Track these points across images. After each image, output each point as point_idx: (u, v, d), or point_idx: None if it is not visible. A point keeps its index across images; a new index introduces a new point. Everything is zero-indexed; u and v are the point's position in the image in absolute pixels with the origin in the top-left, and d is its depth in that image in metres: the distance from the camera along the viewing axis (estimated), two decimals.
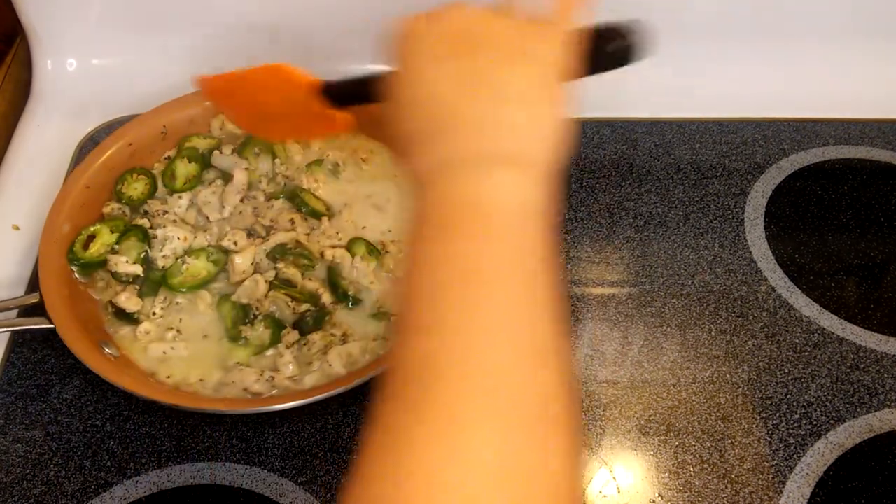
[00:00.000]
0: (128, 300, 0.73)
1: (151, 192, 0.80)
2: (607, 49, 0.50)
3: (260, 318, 0.72)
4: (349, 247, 0.76)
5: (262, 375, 0.68)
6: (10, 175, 0.87)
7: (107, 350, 0.70)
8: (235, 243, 0.76)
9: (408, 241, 0.44)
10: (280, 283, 0.74)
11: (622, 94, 0.96)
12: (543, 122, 0.47)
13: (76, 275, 0.74)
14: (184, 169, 0.82)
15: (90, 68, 0.94)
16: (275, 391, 0.68)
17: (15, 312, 0.74)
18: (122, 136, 0.81)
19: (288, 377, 0.69)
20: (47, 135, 0.91)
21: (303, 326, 0.72)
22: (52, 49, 0.93)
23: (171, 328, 0.72)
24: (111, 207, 0.79)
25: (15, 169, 0.88)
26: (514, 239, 0.43)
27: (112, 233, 0.76)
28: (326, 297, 0.73)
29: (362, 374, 0.66)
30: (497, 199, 0.44)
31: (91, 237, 0.75)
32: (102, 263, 0.75)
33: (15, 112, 0.93)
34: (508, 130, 0.46)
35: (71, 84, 0.94)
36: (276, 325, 0.71)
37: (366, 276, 0.75)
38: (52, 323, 0.68)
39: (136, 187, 0.80)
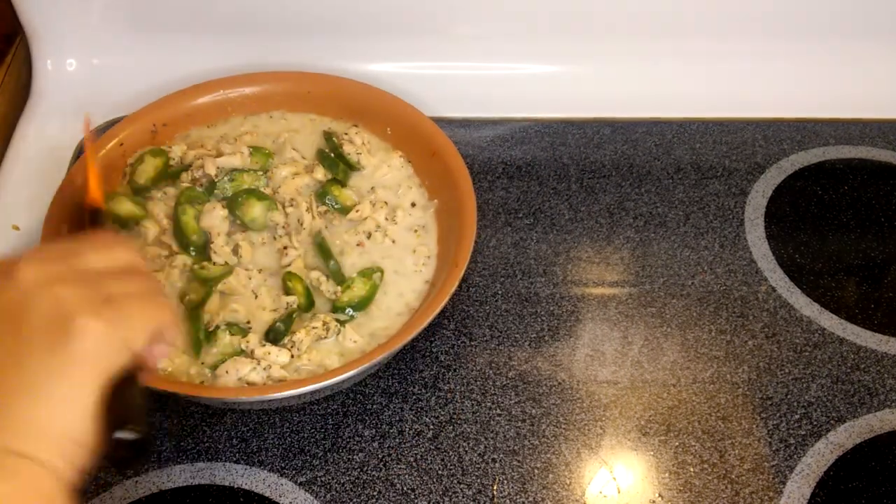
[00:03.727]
0: None
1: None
2: (114, 451, 0.45)
3: (221, 328, 0.70)
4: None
5: (258, 364, 0.68)
6: (10, 175, 0.87)
7: None
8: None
9: None
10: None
11: (622, 94, 0.96)
12: (67, 424, 0.42)
13: None
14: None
15: (90, 68, 0.94)
16: (270, 382, 0.68)
17: None
18: (113, 136, 0.81)
19: (283, 366, 0.68)
20: (47, 135, 0.91)
21: (275, 335, 0.70)
22: (52, 49, 0.93)
23: None
24: None
25: (15, 169, 0.88)
26: None
27: None
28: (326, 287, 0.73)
29: (353, 366, 0.66)
30: None
31: None
32: None
33: (15, 112, 0.93)
34: (23, 426, 0.41)
35: (71, 84, 0.94)
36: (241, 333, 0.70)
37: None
38: None
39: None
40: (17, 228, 0.83)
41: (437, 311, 0.68)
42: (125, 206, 0.78)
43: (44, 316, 0.43)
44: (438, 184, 0.80)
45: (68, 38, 0.93)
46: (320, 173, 0.80)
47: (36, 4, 0.89)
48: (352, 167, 0.82)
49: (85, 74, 0.94)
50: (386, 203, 0.79)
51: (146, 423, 0.45)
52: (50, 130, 0.91)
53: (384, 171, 0.82)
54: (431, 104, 0.87)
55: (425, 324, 0.67)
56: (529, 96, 0.95)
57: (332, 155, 0.82)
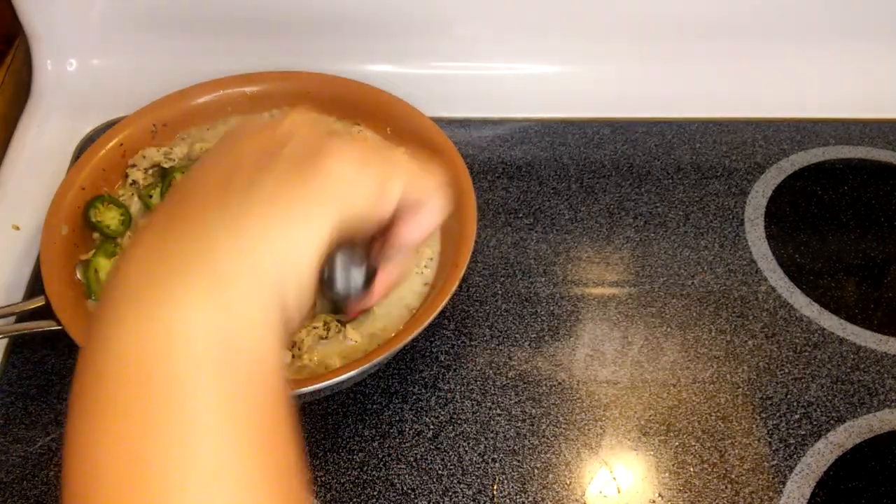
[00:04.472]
0: None
1: (127, 223, 0.78)
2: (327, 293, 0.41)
3: None
4: None
5: None
6: (10, 175, 0.87)
7: None
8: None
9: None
10: None
11: (622, 94, 0.96)
12: (291, 258, 0.37)
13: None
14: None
15: (90, 68, 0.94)
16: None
17: (13, 318, 0.74)
18: (113, 136, 0.81)
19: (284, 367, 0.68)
20: (47, 135, 0.91)
21: None
22: (52, 49, 0.93)
23: None
24: (95, 236, 0.77)
25: (15, 169, 0.88)
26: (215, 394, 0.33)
27: (109, 259, 0.75)
28: None
29: (355, 366, 0.66)
30: (177, 345, 0.33)
31: (95, 269, 0.74)
32: None
33: (15, 112, 0.93)
34: (239, 236, 0.36)
35: (71, 84, 0.94)
36: None
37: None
38: (60, 325, 0.68)
39: (111, 217, 0.78)
40: (17, 228, 0.83)
41: (438, 311, 0.68)
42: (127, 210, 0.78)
43: (296, 152, 0.39)
44: None
45: (68, 39, 0.93)
46: None
47: (36, 5, 0.89)
48: None
49: (85, 74, 0.94)
50: None
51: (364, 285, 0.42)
52: (50, 130, 0.91)
53: None
54: (431, 104, 0.87)
55: (426, 324, 0.67)
56: (529, 96, 0.95)
57: None
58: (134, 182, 0.80)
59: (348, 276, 0.41)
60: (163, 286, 0.34)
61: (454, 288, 0.69)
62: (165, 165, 0.81)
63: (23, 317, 0.73)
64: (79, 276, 0.74)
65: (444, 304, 0.69)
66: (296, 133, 0.40)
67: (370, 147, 0.41)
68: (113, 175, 0.80)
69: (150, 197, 0.79)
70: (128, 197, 0.79)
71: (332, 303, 0.41)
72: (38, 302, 0.71)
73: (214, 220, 0.36)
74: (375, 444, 0.69)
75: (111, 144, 0.81)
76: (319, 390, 0.67)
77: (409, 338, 0.67)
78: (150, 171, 0.81)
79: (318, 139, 0.40)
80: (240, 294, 0.35)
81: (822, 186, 0.89)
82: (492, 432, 0.70)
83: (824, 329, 0.77)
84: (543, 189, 0.87)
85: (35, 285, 0.78)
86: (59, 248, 0.74)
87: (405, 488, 0.66)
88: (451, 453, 0.68)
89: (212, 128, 0.85)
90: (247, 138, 0.41)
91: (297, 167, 0.38)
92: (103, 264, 0.74)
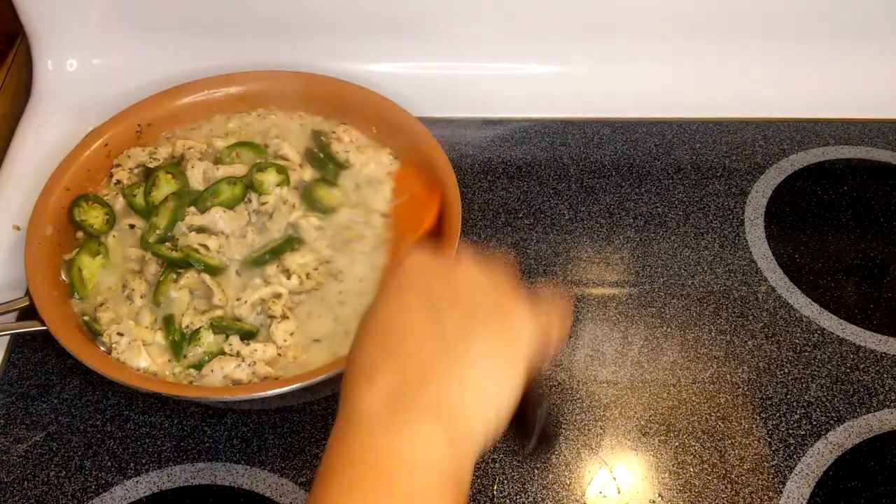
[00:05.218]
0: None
1: (111, 222, 0.78)
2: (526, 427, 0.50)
3: (204, 328, 0.71)
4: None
5: (242, 362, 0.68)
6: (10, 175, 0.87)
7: (102, 347, 0.70)
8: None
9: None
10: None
11: (622, 94, 0.96)
12: (499, 394, 0.46)
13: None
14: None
15: (90, 68, 0.94)
16: (255, 380, 0.68)
17: (14, 315, 0.74)
18: (98, 136, 0.81)
19: (268, 363, 0.69)
20: (48, 135, 0.91)
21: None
22: (52, 49, 0.93)
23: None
24: (79, 235, 0.77)
25: (15, 169, 0.88)
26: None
27: (93, 258, 0.75)
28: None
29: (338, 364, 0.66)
30: (420, 459, 0.42)
31: (79, 268, 0.74)
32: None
33: (15, 112, 0.93)
34: (465, 389, 0.45)
35: (71, 84, 0.94)
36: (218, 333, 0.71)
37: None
38: (44, 325, 0.68)
39: (95, 216, 0.78)
40: (17, 228, 0.83)
41: None
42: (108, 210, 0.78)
43: (487, 300, 0.48)
44: (424, 183, 0.79)
45: (69, 39, 0.93)
46: (308, 174, 0.80)
47: (36, 5, 0.89)
48: (340, 166, 0.82)
49: (85, 74, 0.94)
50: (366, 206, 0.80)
51: (546, 417, 0.49)
52: (50, 130, 0.91)
53: (372, 169, 0.82)
54: (431, 104, 0.87)
55: None
56: (529, 96, 0.95)
57: (322, 155, 0.82)
58: (118, 181, 0.80)
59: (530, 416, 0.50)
60: (406, 416, 0.43)
61: None
62: (150, 165, 0.81)
63: (28, 315, 0.73)
64: (63, 276, 0.74)
65: None
66: (475, 281, 0.49)
67: (523, 296, 0.49)
68: (98, 175, 0.80)
69: (134, 196, 0.79)
70: (112, 196, 0.79)
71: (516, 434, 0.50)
72: (22, 302, 0.71)
73: (440, 363, 0.45)
74: None
75: (96, 145, 0.81)
76: (304, 388, 0.66)
77: None
78: (135, 171, 0.81)
79: (497, 294, 0.49)
80: (461, 433, 0.44)
81: (821, 186, 0.89)
82: None
83: (824, 329, 0.77)
84: (543, 189, 0.87)
85: None
86: (44, 248, 0.74)
87: None
88: None
89: (196, 128, 0.85)
90: (433, 280, 0.49)
91: (495, 331, 0.47)
92: (86, 262, 0.74)
